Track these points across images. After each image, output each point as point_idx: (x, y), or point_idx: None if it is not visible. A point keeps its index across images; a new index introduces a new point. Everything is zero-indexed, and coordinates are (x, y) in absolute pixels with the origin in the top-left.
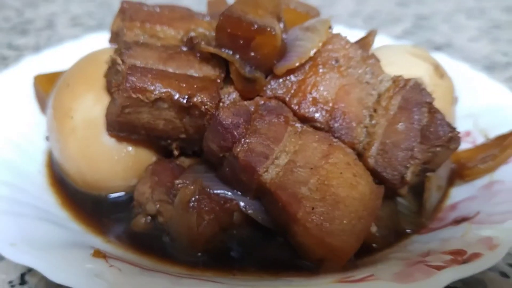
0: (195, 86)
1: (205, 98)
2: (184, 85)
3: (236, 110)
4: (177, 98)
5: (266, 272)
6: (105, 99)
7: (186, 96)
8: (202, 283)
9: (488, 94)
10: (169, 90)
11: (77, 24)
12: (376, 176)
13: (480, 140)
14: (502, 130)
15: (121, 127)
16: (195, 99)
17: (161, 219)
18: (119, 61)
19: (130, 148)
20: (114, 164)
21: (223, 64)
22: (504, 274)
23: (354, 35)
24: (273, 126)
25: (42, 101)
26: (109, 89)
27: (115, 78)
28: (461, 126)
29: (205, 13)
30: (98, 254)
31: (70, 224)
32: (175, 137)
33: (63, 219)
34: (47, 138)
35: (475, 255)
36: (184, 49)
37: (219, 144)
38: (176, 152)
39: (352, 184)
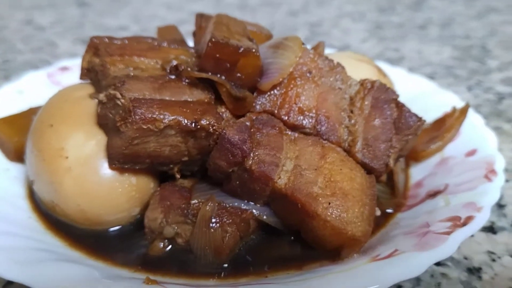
0: (198, 110)
1: (211, 120)
2: (188, 111)
3: (239, 127)
4: (185, 124)
5: (291, 267)
6: (96, 135)
7: (194, 121)
8: (256, 287)
9: (412, 85)
10: (176, 117)
11: None
12: (364, 167)
13: None
14: (434, 114)
15: (126, 158)
16: (202, 122)
17: (180, 240)
18: (119, 95)
19: (132, 178)
20: (118, 196)
21: (210, 87)
22: None
23: None
24: (271, 137)
25: (3, 147)
26: (104, 124)
27: (113, 112)
28: None
29: (161, 40)
30: (150, 281)
31: (88, 262)
32: (177, 161)
33: (78, 258)
34: (32, 183)
35: (469, 218)
36: (172, 77)
37: (227, 160)
38: (178, 176)
39: (352, 177)
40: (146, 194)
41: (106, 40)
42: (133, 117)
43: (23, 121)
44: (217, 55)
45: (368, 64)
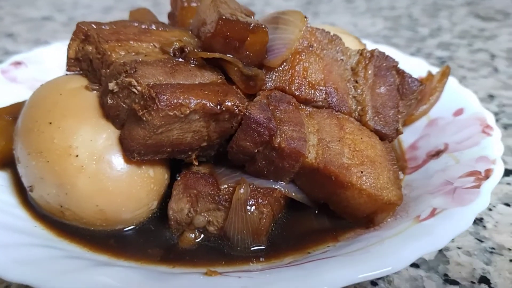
0: (219, 92)
1: (236, 101)
2: (210, 93)
3: (260, 106)
4: (210, 107)
5: (327, 240)
6: (104, 128)
7: (218, 103)
8: (318, 263)
9: None
10: (201, 100)
11: None
12: (377, 134)
13: None
14: None
15: (148, 149)
16: (227, 104)
17: (212, 228)
18: (135, 83)
19: (150, 170)
20: (138, 191)
21: (217, 68)
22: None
23: None
24: (290, 113)
25: None
26: (114, 116)
27: (128, 102)
28: None
29: (147, 23)
30: (212, 273)
31: (121, 263)
32: (196, 147)
33: (109, 262)
34: (31, 189)
35: (488, 171)
36: (179, 60)
37: (253, 140)
38: (196, 163)
39: (373, 145)
40: (162, 185)
41: (94, 26)
42: (158, 104)
43: None
44: (227, 34)
45: (349, 35)
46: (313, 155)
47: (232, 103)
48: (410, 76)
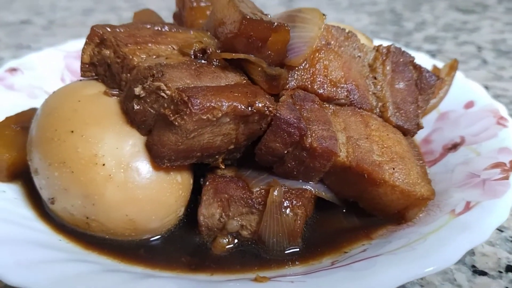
0: (247, 93)
1: (265, 102)
2: (239, 95)
3: (289, 106)
4: (241, 109)
5: (360, 238)
6: (129, 134)
7: (249, 105)
8: (366, 263)
9: None
10: (232, 102)
11: None
12: (399, 130)
13: None
14: None
15: (179, 155)
16: (257, 105)
17: (246, 233)
18: (164, 87)
19: (178, 176)
20: (168, 198)
21: (238, 68)
22: None
23: None
24: (316, 112)
25: None
26: (140, 121)
27: (156, 107)
28: None
29: (161, 24)
30: (262, 278)
31: (158, 274)
32: (224, 151)
33: (147, 273)
34: (52, 201)
35: None
36: (201, 62)
37: (283, 141)
38: (222, 166)
39: (398, 141)
40: (189, 191)
41: (108, 29)
42: (191, 108)
43: (6, 133)
44: (251, 33)
45: (357, 32)
46: (344, 154)
47: (263, 104)
48: (427, 71)
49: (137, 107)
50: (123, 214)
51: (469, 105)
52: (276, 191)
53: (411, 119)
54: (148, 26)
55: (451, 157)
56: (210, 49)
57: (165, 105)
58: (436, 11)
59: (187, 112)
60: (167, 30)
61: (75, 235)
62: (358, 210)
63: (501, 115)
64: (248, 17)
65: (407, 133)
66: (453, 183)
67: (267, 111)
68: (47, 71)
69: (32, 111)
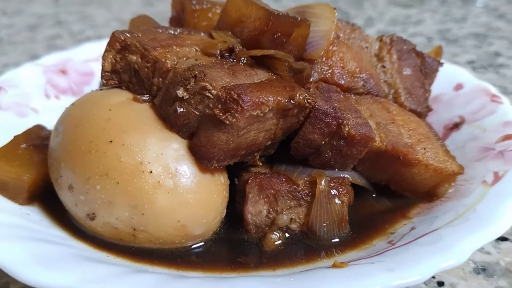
0: (286, 87)
1: (304, 94)
2: (280, 89)
3: (323, 97)
4: (284, 102)
5: (399, 219)
6: (171, 139)
7: (290, 98)
8: (433, 235)
9: None
10: (276, 97)
11: None
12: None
13: None
14: None
15: (227, 154)
16: (298, 98)
17: (295, 226)
18: (209, 86)
19: (221, 177)
20: (216, 199)
21: (263, 65)
22: None
23: None
24: (344, 102)
25: (8, 190)
26: (182, 124)
27: (201, 108)
28: None
29: (173, 28)
30: (341, 264)
31: (226, 276)
32: (262, 147)
33: (211, 279)
34: (93, 217)
35: None
36: (230, 60)
37: (322, 132)
38: (260, 163)
39: (419, 123)
40: (228, 191)
41: (128, 34)
42: (242, 105)
43: (19, 152)
44: (277, 29)
45: None
46: (379, 139)
47: (303, 97)
48: (429, 56)
49: (181, 110)
50: (175, 220)
51: (459, 87)
52: (323, 181)
53: (421, 102)
54: (161, 31)
55: (456, 135)
56: (237, 47)
57: (211, 105)
58: (378, 8)
59: (238, 110)
60: (180, 33)
61: (118, 249)
62: (387, 193)
63: (493, 93)
64: (275, 13)
65: (419, 116)
66: (469, 157)
67: (307, 103)
68: (30, 87)
69: (38, 128)
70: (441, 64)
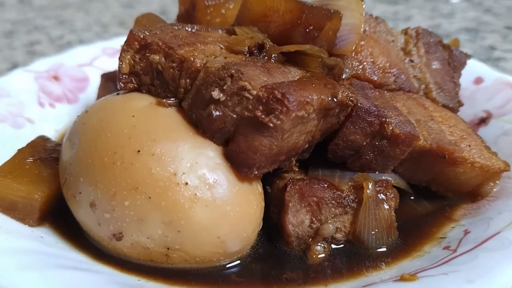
0: (326, 85)
1: (347, 92)
2: (321, 87)
3: (363, 95)
4: (327, 101)
5: (445, 221)
6: (204, 146)
7: (333, 96)
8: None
9: None
10: (319, 95)
11: None
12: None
13: None
14: None
15: (269, 160)
16: (340, 96)
17: (340, 235)
18: (249, 86)
19: (258, 186)
20: (255, 210)
21: (292, 61)
22: None
23: None
24: (381, 99)
25: (18, 210)
26: (217, 129)
27: (239, 110)
28: None
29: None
30: (411, 277)
31: None
32: (300, 151)
33: None
34: (119, 237)
35: None
36: (261, 58)
37: (364, 132)
38: (296, 168)
39: (457, 119)
40: (263, 200)
41: (147, 32)
42: (288, 105)
43: (27, 168)
44: (310, 23)
45: None
46: (423, 138)
47: (345, 94)
48: (456, 49)
49: (216, 113)
50: (214, 236)
51: (478, 80)
52: (370, 185)
53: (453, 97)
54: (177, 28)
55: (485, 131)
56: (268, 43)
57: (250, 106)
58: (365, 5)
59: (283, 111)
60: (198, 30)
61: (149, 271)
62: (426, 195)
63: None
64: (308, 5)
65: (452, 111)
66: (505, 153)
67: (349, 101)
68: (23, 96)
69: (42, 139)
70: (468, 56)
